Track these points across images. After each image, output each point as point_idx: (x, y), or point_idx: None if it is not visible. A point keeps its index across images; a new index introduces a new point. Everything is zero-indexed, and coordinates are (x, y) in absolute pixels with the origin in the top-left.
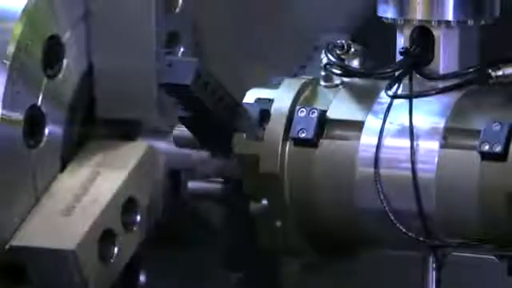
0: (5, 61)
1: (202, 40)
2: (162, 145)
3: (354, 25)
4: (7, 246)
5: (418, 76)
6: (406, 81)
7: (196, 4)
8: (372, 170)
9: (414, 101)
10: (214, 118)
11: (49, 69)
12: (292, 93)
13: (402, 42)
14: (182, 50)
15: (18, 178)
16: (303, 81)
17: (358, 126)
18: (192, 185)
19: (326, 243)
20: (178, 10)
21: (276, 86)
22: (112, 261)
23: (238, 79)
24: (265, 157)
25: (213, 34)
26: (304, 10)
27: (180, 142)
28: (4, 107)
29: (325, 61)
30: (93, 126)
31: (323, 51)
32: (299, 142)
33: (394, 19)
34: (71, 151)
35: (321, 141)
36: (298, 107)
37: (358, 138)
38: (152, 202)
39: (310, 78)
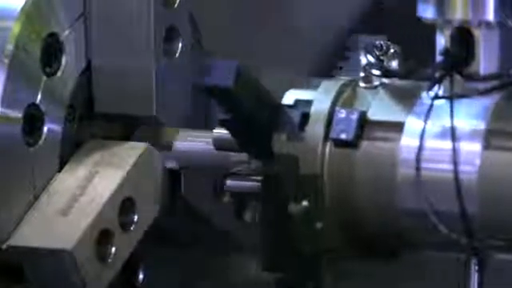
0: (3, 59)
1: (201, 37)
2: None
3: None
4: (4, 246)
5: (458, 77)
6: (446, 82)
7: (196, 3)
8: (413, 171)
9: (455, 102)
10: (255, 119)
11: (47, 67)
12: (331, 94)
13: (442, 42)
14: (180, 45)
15: (17, 177)
16: (342, 82)
17: (398, 127)
18: (230, 183)
19: (366, 245)
20: (176, 5)
21: (315, 87)
22: (109, 261)
23: None
24: (305, 158)
25: (213, 33)
26: (304, 9)
27: (219, 145)
28: (3, 105)
29: (364, 62)
30: (92, 124)
31: (362, 52)
32: (339, 144)
33: (433, 19)
34: (70, 150)
35: (361, 142)
36: (337, 108)
37: (399, 140)
38: (150, 201)
39: (349, 79)
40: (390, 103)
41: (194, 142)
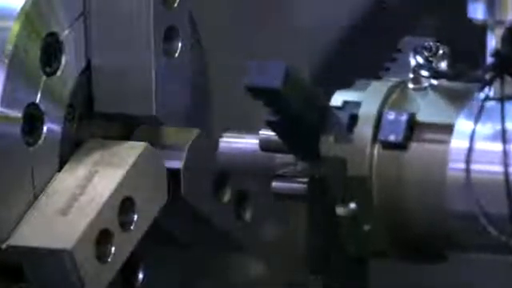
0: (3, 59)
1: (201, 37)
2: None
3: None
4: (4, 246)
5: (509, 78)
6: (496, 83)
7: (196, 3)
8: (463, 173)
9: (506, 103)
10: (302, 121)
11: (47, 66)
12: (380, 95)
13: (493, 43)
14: (180, 45)
15: (16, 176)
16: (391, 83)
17: (448, 129)
18: (277, 184)
19: (413, 247)
20: (176, 4)
21: (362, 88)
22: (109, 260)
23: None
24: (353, 160)
25: (213, 33)
26: (305, 8)
27: (266, 146)
28: (2, 105)
29: (413, 63)
30: (91, 124)
31: (411, 53)
32: (388, 145)
33: (484, 20)
34: (69, 149)
35: (410, 144)
36: (386, 110)
37: (449, 142)
38: (150, 201)
39: (398, 80)
40: (440, 105)
41: (239, 144)
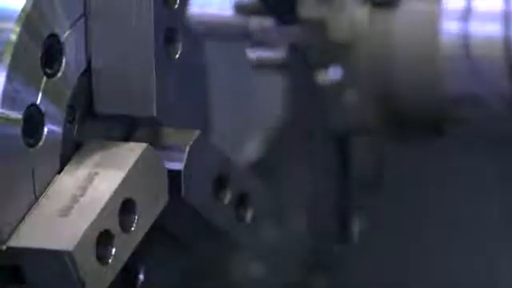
0: (4, 60)
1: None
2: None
3: None
4: (4, 247)
5: None
6: None
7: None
8: (459, 26)
9: None
10: None
11: (48, 68)
12: None
13: None
14: (180, 46)
15: (17, 177)
16: None
17: None
18: (253, 53)
19: (402, 121)
20: (176, 5)
21: None
22: (110, 262)
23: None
24: (336, 22)
25: None
26: None
27: (242, 8)
28: (3, 106)
29: None
30: (92, 125)
31: None
32: (376, 3)
33: None
34: (70, 150)
35: (400, 2)
36: None
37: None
38: (150, 202)
39: None
40: None
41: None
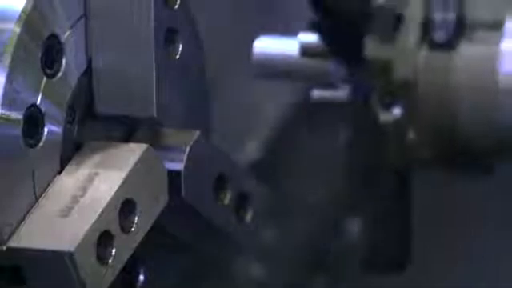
0: (4, 60)
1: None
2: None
3: None
4: (4, 248)
5: None
6: None
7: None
8: None
9: None
10: (346, 22)
11: (48, 68)
12: None
13: None
14: (181, 46)
15: (17, 178)
16: None
17: (498, 28)
18: (316, 93)
19: (460, 157)
20: (176, 6)
21: None
22: (110, 262)
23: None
24: (398, 62)
25: (213, 33)
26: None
27: (306, 51)
28: (3, 107)
29: None
30: (92, 125)
31: None
32: (436, 46)
33: None
34: (70, 151)
35: (459, 45)
36: (433, 8)
37: (500, 42)
38: (151, 203)
39: None
40: (490, 3)
41: (276, 48)
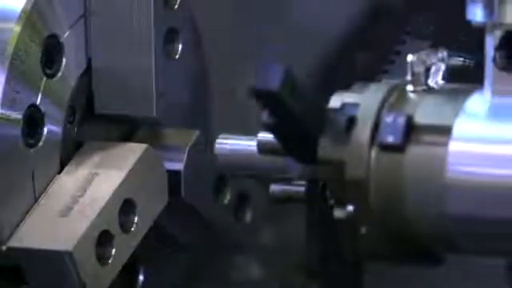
0: (4, 60)
1: (201, 39)
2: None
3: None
4: (4, 247)
5: (508, 80)
6: (496, 85)
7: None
8: (461, 176)
9: (505, 106)
10: (300, 123)
11: (48, 68)
12: (378, 97)
13: (491, 45)
14: (181, 47)
15: (17, 178)
16: (389, 85)
17: (446, 130)
18: (275, 188)
19: (412, 251)
20: (176, 6)
21: (360, 90)
22: (109, 262)
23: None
24: (351, 162)
25: (212, 33)
26: (307, 9)
27: (264, 149)
28: (3, 106)
29: (411, 65)
30: (92, 125)
31: (409, 56)
32: (386, 148)
33: (482, 22)
34: (70, 151)
35: (408, 146)
36: (384, 112)
37: (447, 144)
38: (150, 203)
39: (397, 82)
40: (438, 106)
41: (237, 146)
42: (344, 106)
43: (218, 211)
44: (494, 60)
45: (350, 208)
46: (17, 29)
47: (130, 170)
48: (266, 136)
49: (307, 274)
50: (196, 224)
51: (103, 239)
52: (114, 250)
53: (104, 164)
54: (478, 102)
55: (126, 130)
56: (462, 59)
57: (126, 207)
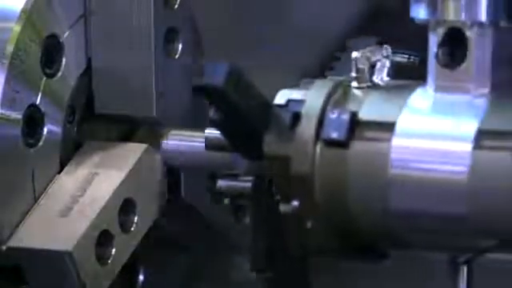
0: (4, 60)
1: (202, 39)
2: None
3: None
4: (4, 247)
5: (450, 77)
6: (438, 82)
7: (195, 3)
8: (404, 171)
9: (447, 102)
10: (245, 119)
11: (48, 68)
12: (323, 94)
13: (434, 42)
14: (180, 46)
15: (17, 178)
16: (334, 82)
17: (389, 127)
18: (221, 183)
19: (355, 245)
20: (176, 6)
21: (307, 86)
22: (109, 262)
23: None
24: (295, 158)
25: (213, 33)
26: (306, 9)
27: (211, 145)
28: (3, 106)
29: (355, 62)
30: (92, 125)
31: (353, 52)
32: (330, 144)
33: (425, 20)
34: (70, 151)
35: (352, 142)
36: (329, 108)
37: (390, 140)
38: (150, 203)
39: (341, 79)
40: (382, 103)
41: (184, 142)
42: (289, 102)
43: (218, 211)
44: (437, 57)
45: (296, 203)
46: (17, 29)
47: (130, 170)
48: (214, 132)
49: (253, 269)
50: (196, 224)
51: (103, 239)
52: (113, 250)
53: (104, 164)
54: (421, 98)
55: (126, 129)
56: (406, 56)
57: (125, 207)
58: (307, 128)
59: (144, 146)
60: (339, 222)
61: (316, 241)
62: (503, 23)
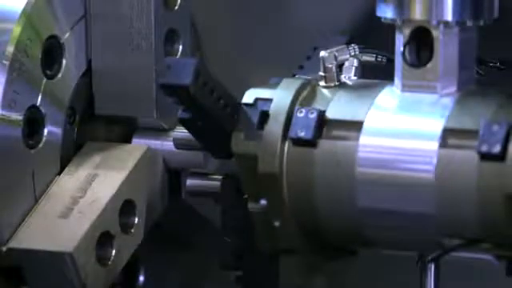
0: (4, 61)
1: (202, 41)
2: (159, 143)
3: (353, 26)
4: (5, 249)
5: (416, 76)
6: (405, 81)
7: (195, 4)
8: (371, 170)
9: (413, 101)
10: (214, 118)
11: (48, 69)
12: (291, 93)
13: (401, 42)
14: (181, 48)
15: (17, 179)
16: (302, 81)
17: (357, 126)
18: (190, 182)
19: (324, 243)
20: (176, 7)
21: (275, 85)
22: (110, 263)
23: (237, 80)
24: (263, 157)
25: (213, 33)
26: (304, 10)
27: (180, 144)
28: (3, 108)
29: (323, 61)
30: (92, 126)
31: (322, 51)
32: (298, 142)
33: (392, 19)
34: (70, 152)
35: (320, 141)
36: (296, 107)
37: (358, 139)
38: (151, 204)
39: (309, 78)
40: (349, 102)
41: (153, 141)
42: (257, 101)
43: (218, 211)
44: (404, 56)
45: (264, 202)
46: (17, 30)
47: (130, 171)
48: (182, 131)
49: (221, 267)
50: (196, 224)
51: (103, 240)
52: (114, 251)
53: (104, 165)
54: (389, 97)
55: (127, 130)
56: (374, 55)
57: (126, 208)
58: (275, 127)
59: (144, 147)
60: (307, 220)
61: (284, 239)
62: (469, 22)
